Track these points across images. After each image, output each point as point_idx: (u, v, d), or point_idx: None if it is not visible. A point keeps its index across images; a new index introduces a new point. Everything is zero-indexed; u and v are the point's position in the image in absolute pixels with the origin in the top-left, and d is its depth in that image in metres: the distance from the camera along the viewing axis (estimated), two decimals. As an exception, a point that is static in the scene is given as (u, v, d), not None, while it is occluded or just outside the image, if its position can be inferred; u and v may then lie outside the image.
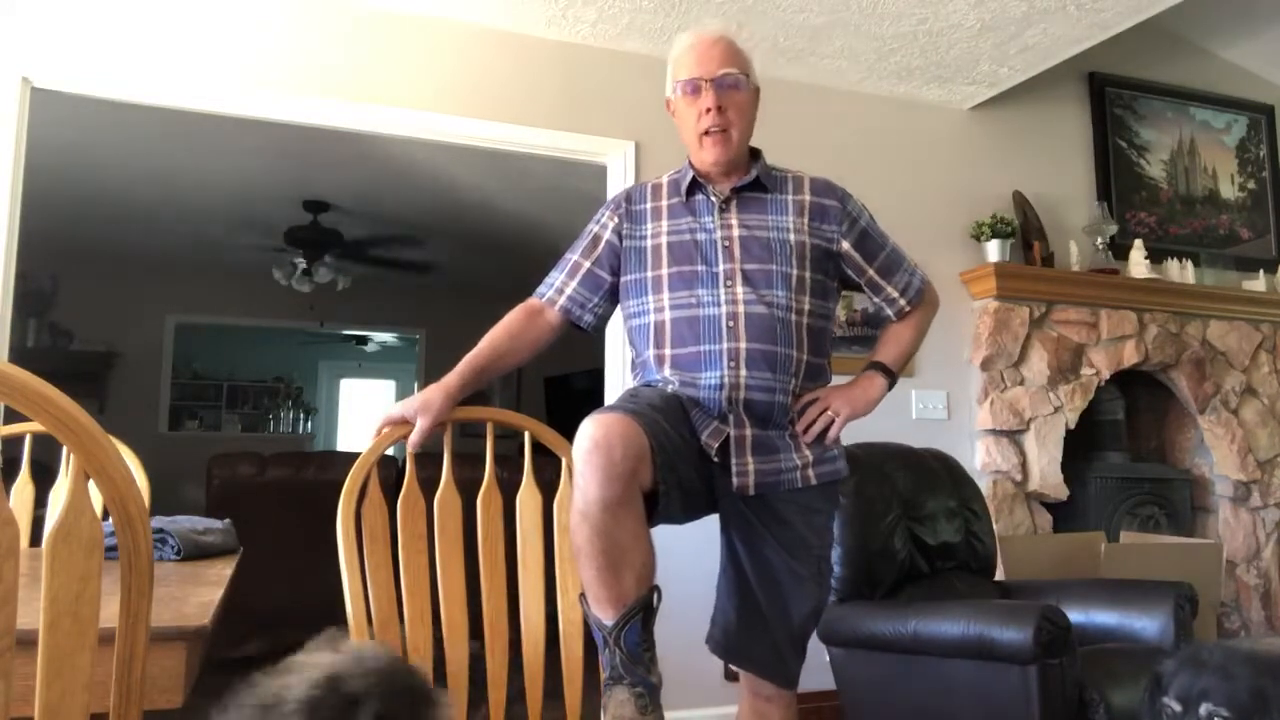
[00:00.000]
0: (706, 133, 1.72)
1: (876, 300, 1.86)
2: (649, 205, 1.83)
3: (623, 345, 3.10)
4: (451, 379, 1.71)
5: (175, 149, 4.62)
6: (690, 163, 1.82)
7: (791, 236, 1.74)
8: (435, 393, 1.67)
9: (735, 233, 1.74)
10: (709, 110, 1.71)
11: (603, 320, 1.86)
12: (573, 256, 1.85)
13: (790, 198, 1.79)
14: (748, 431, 1.67)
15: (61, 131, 4.15)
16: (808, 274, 1.74)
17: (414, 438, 1.64)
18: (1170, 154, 4.47)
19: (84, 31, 2.85)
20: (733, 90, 1.73)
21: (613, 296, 1.84)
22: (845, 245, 1.79)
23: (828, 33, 3.33)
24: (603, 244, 1.83)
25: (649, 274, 1.76)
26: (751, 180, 1.78)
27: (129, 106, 2.97)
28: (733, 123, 1.73)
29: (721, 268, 1.71)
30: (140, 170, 5.01)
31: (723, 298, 1.69)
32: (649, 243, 1.78)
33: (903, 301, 1.85)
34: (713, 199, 1.77)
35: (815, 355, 1.75)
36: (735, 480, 1.66)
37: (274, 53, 3.05)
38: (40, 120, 2.86)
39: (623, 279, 1.81)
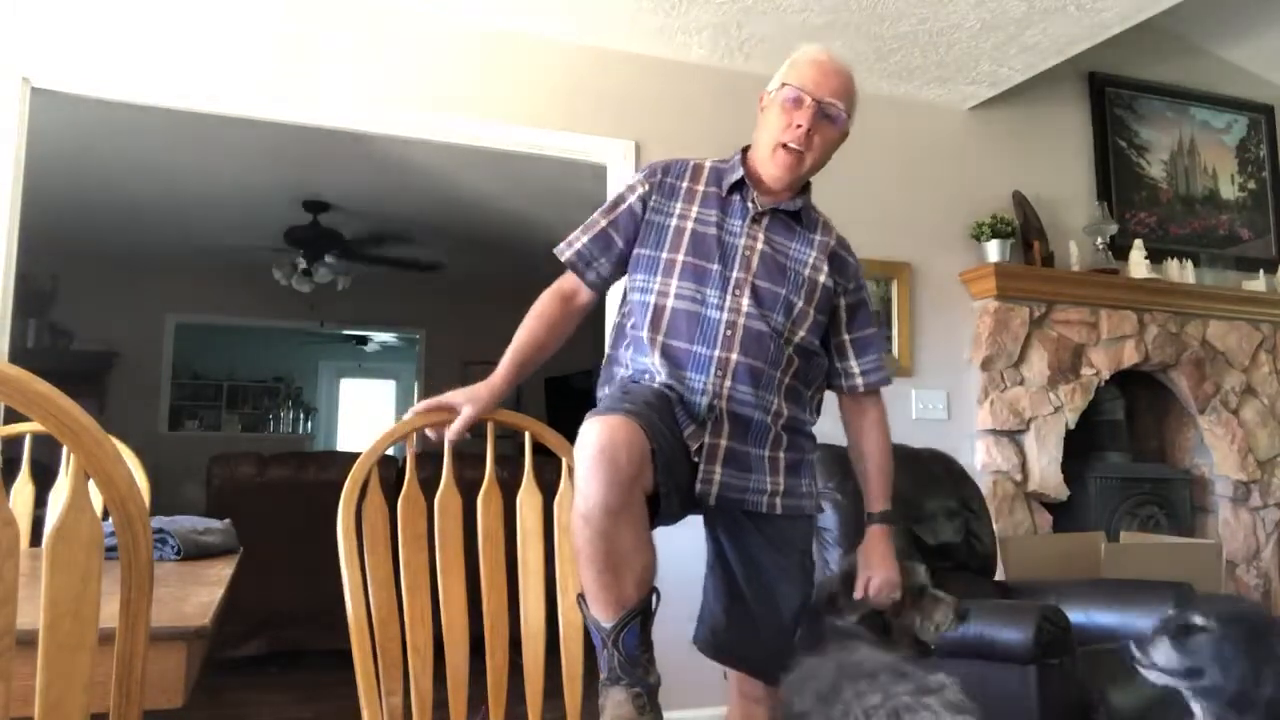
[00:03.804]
0: (785, 146, 1.71)
1: (835, 366, 1.83)
2: (685, 184, 1.80)
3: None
4: (497, 378, 1.71)
5: (175, 149, 4.62)
6: (742, 159, 1.80)
7: (807, 271, 1.75)
8: (483, 388, 1.69)
9: (759, 246, 1.73)
10: (799, 127, 1.69)
11: (605, 283, 1.84)
12: (595, 215, 1.83)
13: (818, 237, 1.79)
14: (723, 442, 1.67)
15: (61, 131, 4.15)
16: (811, 310, 1.74)
17: (457, 426, 1.64)
18: (1170, 154, 4.47)
19: (84, 31, 2.85)
20: (829, 123, 1.72)
21: (621, 264, 1.81)
22: (842, 301, 1.81)
23: (828, 33, 3.33)
24: (624, 208, 1.81)
25: (664, 254, 1.74)
26: (793, 208, 1.78)
27: (129, 106, 2.97)
28: (813, 149, 1.72)
29: (735, 274, 1.70)
30: (140, 170, 5.01)
31: (727, 304, 1.69)
32: (673, 222, 1.76)
33: (858, 381, 1.82)
34: (749, 205, 1.76)
35: (799, 381, 1.76)
36: (698, 487, 1.65)
37: (274, 52, 3.05)
38: (40, 120, 2.86)
39: (636, 250, 1.78)
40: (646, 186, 1.80)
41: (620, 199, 1.82)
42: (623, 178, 3.32)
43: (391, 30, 3.19)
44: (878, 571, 1.73)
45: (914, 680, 1.39)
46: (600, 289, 1.84)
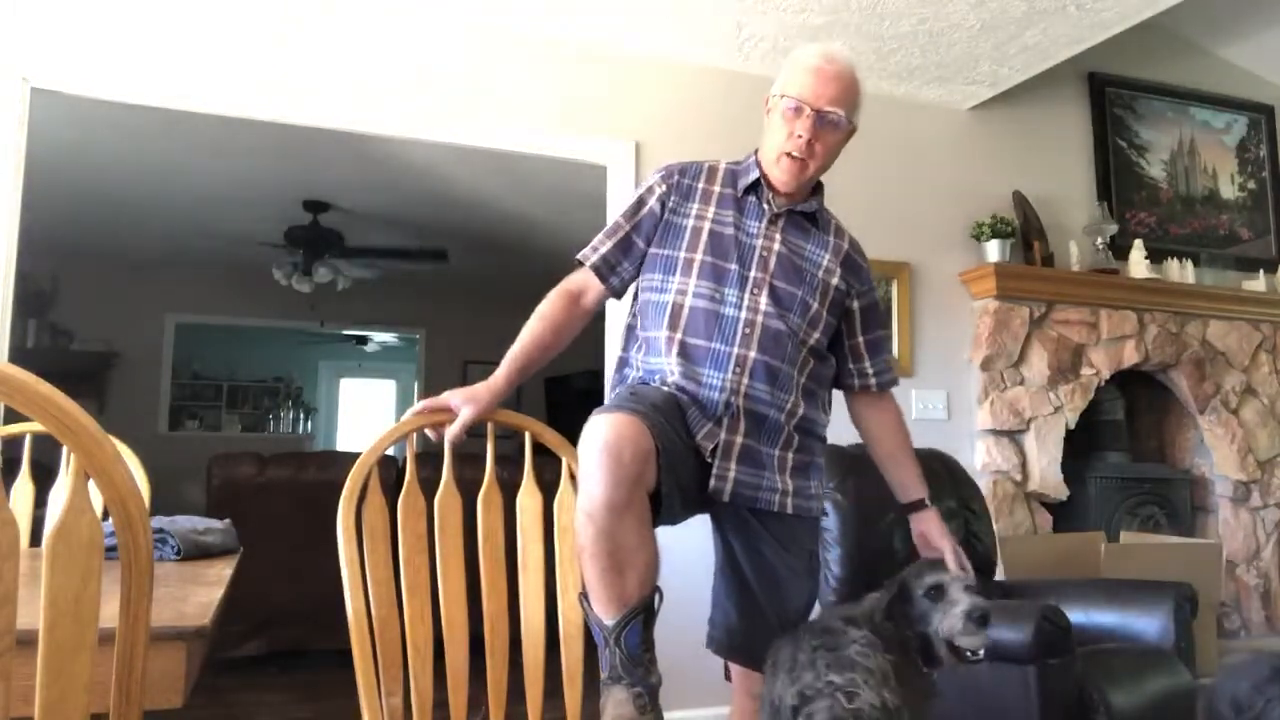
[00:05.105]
0: (789, 155, 1.73)
1: (848, 367, 1.87)
2: (701, 185, 1.82)
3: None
4: (498, 380, 1.71)
5: (175, 149, 4.62)
6: (757, 161, 1.81)
7: (821, 273, 1.77)
8: (483, 389, 1.68)
9: (776, 247, 1.75)
10: (800, 137, 1.71)
11: (625, 287, 1.85)
12: (618, 219, 1.84)
13: (831, 239, 1.82)
14: (739, 439, 1.68)
15: (61, 131, 4.15)
16: (824, 311, 1.77)
17: (455, 427, 1.64)
18: (1170, 154, 4.47)
19: (84, 31, 2.85)
20: (830, 129, 1.73)
21: (641, 266, 1.82)
22: (856, 304, 1.84)
23: (828, 33, 3.33)
24: (645, 210, 1.81)
25: (681, 254, 1.75)
26: (810, 210, 1.80)
27: (129, 106, 2.97)
28: (816, 156, 1.74)
29: (753, 274, 1.72)
30: (141, 170, 5.01)
31: (745, 303, 1.70)
32: (690, 222, 1.78)
33: (872, 381, 1.88)
34: (765, 206, 1.77)
35: (814, 382, 1.78)
36: (713, 483, 1.66)
37: (273, 52, 3.04)
38: (40, 120, 2.86)
39: (652, 250, 1.79)
40: (665, 187, 1.81)
41: (641, 202, 1.83)
42: (623, 178, 3.33)
43: (391, 30, 3.19)
44: (953, 548, 1.78)
45: (826, 637, 1.47)
46: (620, 293, 1.85)
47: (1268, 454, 4.22)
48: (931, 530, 1.82)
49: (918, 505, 1.87)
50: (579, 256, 1.84)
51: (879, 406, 1.91)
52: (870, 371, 1.87)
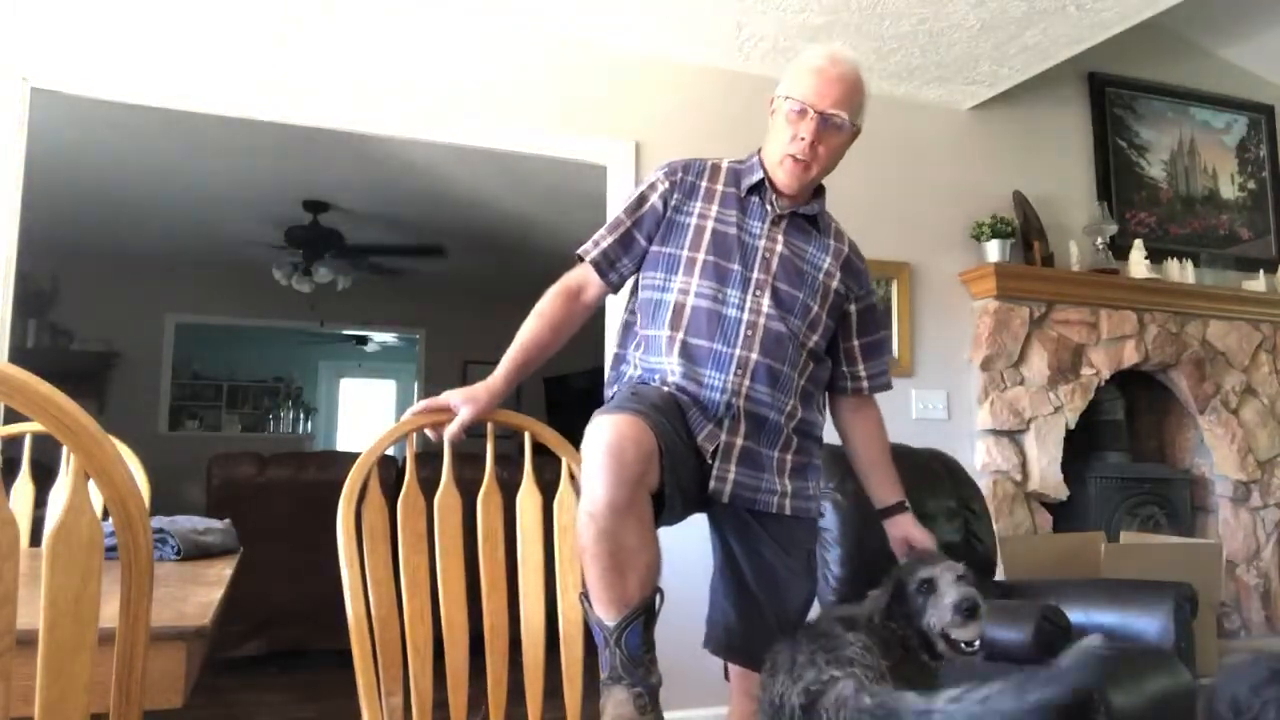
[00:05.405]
0: (792, 157, 1.72)
1: (841, 370, 1.87)
2: (704, 183, 1.81)
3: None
4: (497, 379, 1.71)
5: (175, 149, 4.62)
6: (761, 162, 1.80)
7: (821, 276, 1.77)
8: (482, 389, 1.69)
9: (778, 249, 1.75)
10: (803, 139, 1.71)
11: (624, 283, 1.85)
12: (619, 214, 1.83)
13: (832, 242, 1.82)
14: (739, 441, 1.68)
15: (61, 131, 4.15)
16: (824, 314, 1.77)
17: (454, 427, 1.64)
18: (1170, 154, 4.47)
19: (84, 31, 2.85)
20: (833, 131, 1.72)
21: (641, 263, 1.81)
22: (853, 307, 1.84)
23: (828, 33, 3.33)
24: (647, 206, 1.81)
25: (684, 253, 1.75)
26: (811, 213, 1.80)
27: (129, 106, 2.97)
28: (819, 159, 1.73)
29: (755, 275, 1.72)
30: (140, 170, 5.01)
31: (748, 304, 1.70)
32: (693, 221, 1.77)
33: (864, 384, 1.88)
34: (768, 207, 1.77)
35: (812, 384, 1.79)
36: (712, 484, 1.66)
37: (273, 52, 3.04)
38: (40, 120, 2.86)
39: (654, 248, 1.79)
40: (668, 184, 1.81)
41: (643, 198, 1.82)
42: (623, 178, 3.33)
43: (391, 30, 3.19)
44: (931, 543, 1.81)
45: (823, 640, 1.50)
46: (619, 289, 1.85)
47: (1268, 454, 4.22)
48: (913, 532, 1.84)
49: (896, 509, 1.88)
50: (579, 251, 1.83)
51: (863, 413, 1.91)
52: (863, 375, 1.87)
